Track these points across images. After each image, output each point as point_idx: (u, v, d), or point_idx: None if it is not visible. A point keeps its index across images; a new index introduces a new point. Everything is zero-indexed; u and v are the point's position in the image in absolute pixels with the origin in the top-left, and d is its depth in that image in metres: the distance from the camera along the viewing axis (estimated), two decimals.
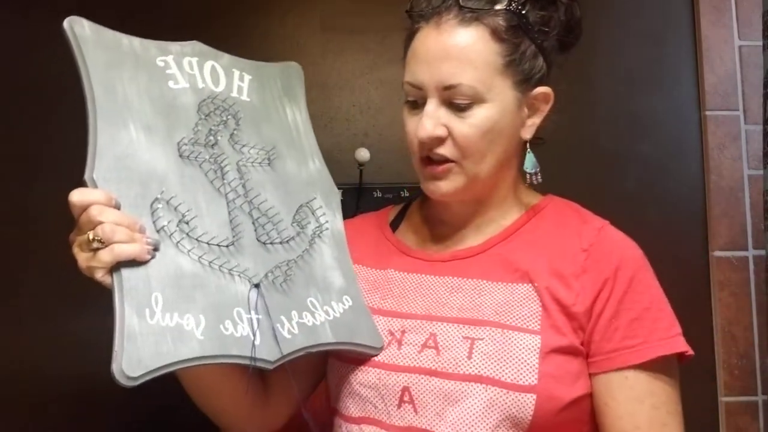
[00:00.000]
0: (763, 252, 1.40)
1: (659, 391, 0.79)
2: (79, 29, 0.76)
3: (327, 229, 0.86)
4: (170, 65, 0.82)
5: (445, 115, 0.82)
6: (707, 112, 1.49)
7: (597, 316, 0.80)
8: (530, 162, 0.87)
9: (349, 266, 0.87)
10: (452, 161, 0.83)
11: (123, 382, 0.64)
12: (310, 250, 0.84)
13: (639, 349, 0.79)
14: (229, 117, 0.84)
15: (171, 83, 0.81)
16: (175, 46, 0.84)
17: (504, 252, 0.85)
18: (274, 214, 0.82)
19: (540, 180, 0.88)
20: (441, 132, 0.81)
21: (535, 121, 0.87)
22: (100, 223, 0.67)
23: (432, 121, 0.81)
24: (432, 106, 0.82)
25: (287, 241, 0.82)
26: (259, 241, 0.80)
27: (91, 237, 0.67)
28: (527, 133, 0.87)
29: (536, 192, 0.93)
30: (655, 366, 0.79)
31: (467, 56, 0.80)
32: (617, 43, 1.51)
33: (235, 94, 0.86)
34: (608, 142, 1.49)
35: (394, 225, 0.97)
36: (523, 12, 0.82)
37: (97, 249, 0.67)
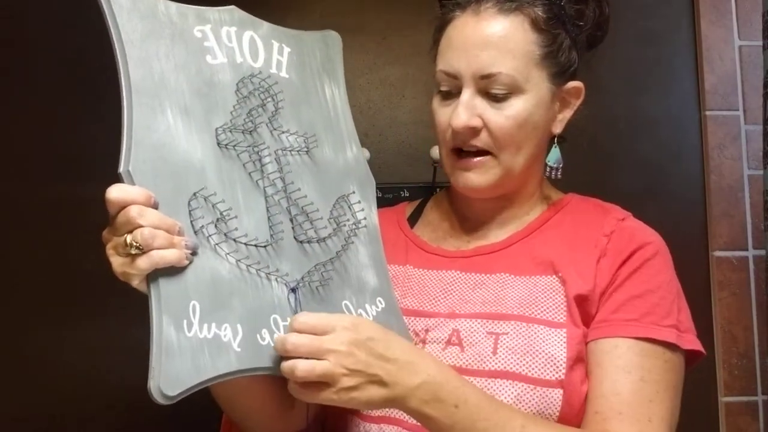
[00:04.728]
0: (763, 252, 1.40)
1: (651, 369, 0.76)
2: None
3: (364, 226, 0.82)
4: (208, 36, 0.75)
5: (480, 104, 0.80)
6: (707, 112, 1.49)
7: (605, 293, 0.79)
8: (554, 156, 0.87)
9: (383, 264, 0.83)
10: (486, 152, 0.81)
11: (160, 400, 0.61)
12: (347, 248, 0.79)
13: (629, 324, 0.77)
14: (268, 99, 0.78)
15: (209, 58, 0.75)
16: (213, 13, 0.77)
17: (528, 246, 0.85)
18: (312, 210, 0.77)
19: (560, 176, 0.87)
20: (476, 122, 0.80)
21: (565, 116, 0.86)
22: (139, 226, 0.62)
23: (467, 110, 0.80)
24: (467, 96, 0.80)
25: (324, 240, 0.78)
26: (296, 240, 0.75)
27: (128, 241, 0.62)
28: (557, 128, 0.86)
29: (558, 189, 0.93)
30: (653, 345, 0.77)
31: (506, 45, 0.79)
32: (617, 43, 1.50)
33: (274, 70, 0.80)
34: (608, 142, 1.49)
35: (411, 221, 0.95)
36: (561, 3, 0.82)
37: (135, 255, 0.62)
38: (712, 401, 1.43)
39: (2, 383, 1.36)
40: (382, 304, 0.80)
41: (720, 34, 1.51)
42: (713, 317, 1.45)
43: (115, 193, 0.63)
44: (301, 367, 0.64)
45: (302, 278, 0.74)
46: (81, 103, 1.42)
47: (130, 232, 0.62)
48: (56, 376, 1.38)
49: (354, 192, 0.82)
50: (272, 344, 0.69)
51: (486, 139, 0.81)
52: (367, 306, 0.79)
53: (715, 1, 1.51)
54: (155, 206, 0.65)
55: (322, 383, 0.66)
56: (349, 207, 0.81)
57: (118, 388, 1.32)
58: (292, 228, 0.75)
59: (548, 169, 0.87)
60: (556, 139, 0.87)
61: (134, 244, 0.62)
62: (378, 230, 0.84)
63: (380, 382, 0.67)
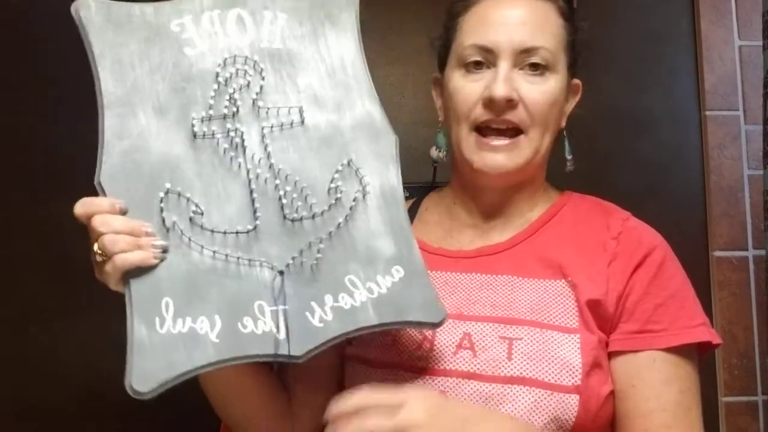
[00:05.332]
0: (763, 252, 1.40)
1: (685, 377, 0.79)
2: (85, 12, 0.71)
3: (368, 192, 0.77)
4: (186, 28, 0.74)
5: (517, 79, 0.81)
6: (707, 112, 1.49)
7: (624, 299, 0.80)
8: (567, 150, 0.89)
9: (402, 228, 0.77)
10: (515, 132, 0.81)
11: (135, 396, 0.63)
12: (350, 218, 0.75)
13: (662, 335, 0.78)
14: (252, 76, 0.75)
15: (187, 50, 0.74)
16: (193, 3, 0.75)
17: (534, 247, 0.85)
18: (303, 185, 0.74)
19: (572, 167, 0.89)
20: (516, 95, 0.80)
21: (568, 109, 0.88)
22: (102, 234, 0.66)
23: (507, 82, 0.80)
24: (506, 69, 0.80)
25: (321, 214, 0.74)
26: (286, 219, 0.73)
27: (95, 249, 0.66)
28: (563, 121, 0.88)
29: (556, 188, 0.93)
30: (680, 352, 0.79)
31: (544, 24, 0.82)
32: (617, 43, 1.51)
33: (264, 43, 0.77)
34: (608, 141, 1.49)
35: None
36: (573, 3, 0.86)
37: (101, 261, 0.66)
38: (712, 401, 1.43)
39: (2, 382, 1.36)
40: (400, 272, 0.75)
41: (720, 34, 1.51)
42: (713, 317, 1.45)
43: (78, 208, 0.67)
44: None
45: (292, 259, 0.72)
46: (83, 108, 1.42)
47: (97, 241, 0.66)
48: (55, 376, 1.38)
49: (359, 152, 0.77)
50: (257, 332, 0.69)
51: (522, 113, 0.81)
52: (379, 278, 0.74)
53: (715, 1, 1.51)
54: (122, 212, 0.68)
55: None
56: (355, 172, 0.77)
57: (118, 389, 1.31)
58: (281, 208, 0.73)
59: (567, 162, 0.89)
60: (564, 132, 0.89)
61: (98, 251, 0.66)
62: (397, 191, 0.79)
63: None
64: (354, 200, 0.76)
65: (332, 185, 0.75)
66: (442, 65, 0.89)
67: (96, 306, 1.35)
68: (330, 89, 0.78)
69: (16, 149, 1.42)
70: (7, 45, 1.42)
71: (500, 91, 0.79)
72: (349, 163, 0.77)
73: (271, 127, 0.75)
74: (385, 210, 0.77)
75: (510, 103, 0.80)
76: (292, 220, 0.73)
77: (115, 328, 1.32)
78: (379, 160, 0.78)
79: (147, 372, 0.64)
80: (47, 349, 1.38)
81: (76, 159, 1.39)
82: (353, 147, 0.77)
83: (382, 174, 0.78)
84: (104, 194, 0.68)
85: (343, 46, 0.80)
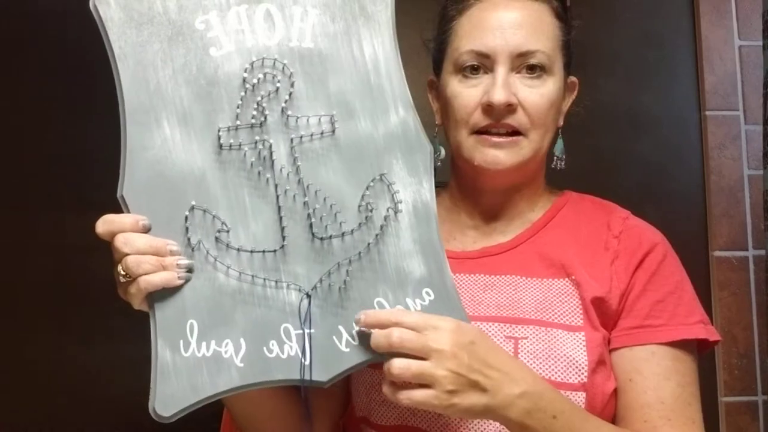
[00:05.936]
0: (763, 252, 1.40)
1: (684, 372, 0.79)
2: (104, 9, 0.67)
3: (400, 210, 0.73)
4: (212, 26, 0.69)
5: (514, 83, 0.81)
6: (707, 112, 1.49)
7: (626, 296, 0.80)
8: (560, 147, 0.89)
9: (434, 247, 0.73)
10: (519, 133, 0.81)
11: (157, 419, 0.63)
12: (381, 238, 0.71)
13: (661, 330, 0.79)
14: (281, 81, 0.71)
15: (213, 50, 0.69)
16: None
17: (536, 246, 0.85)
18: (336, 201, 0.70)
19: (564, 166, 0.89)
20: (515, 100, 0.80)
21: (565, 108, 0.88)
22: (126, 255, 0.63)
23: (506, 87, 0.80)
24: (503, 74, 0.80)
25: (351, 233, 0.71)
26: (315, 237, 0.70)
27: (119, 270, 0.64)
28: (560, 120, 0.88)
29: (554, 188, 0.93)
30: (679, 347, 0.79)
31: (540, 26, 0.82)
32: (617, 43, 1.51)
33: (294, 42, 0.72)
34: (608, 141, 1.49)
35: None
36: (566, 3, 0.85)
37: (125, 282, 0.64)
38: (712, 401, 1.43)
39: (4, 396, 1.36)
40: (430, 295, 0.72)
41: (720, 34, 1.51)
42: (713, 317, 1.45)
43: (100, 227, 0.65)
44: (396, 365, 0.64)
45: (320, 281, 0.69)
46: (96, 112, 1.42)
47: (121, 261, 0.64)
48: (58, 388, 1.37)
49: (392, 167, 0.73)
50: (282, 356, 0.67)
51: (521, 117, 0.81)
52: (409, 301, 0.71)
53: (715, 1, 1.51)
54: (146, 229, 0.65)
55: (422, 385, 0.65)
56: (388, 187, 0.73)
57: (119, 399, 1.32)
58: (310, 225, 0.70)
59: (555, 159, 0.89)
60: (560, 130, 0.88)
61: (121, 272, 0.64)
62: (430, 207, 0.74)
63: (481, 389, 0.65)
64: (385, 218, 0.72)
65: (363, 202, 0.72)
66: (437, 68, 0.89)
67: (99, 322, 1.35)
68: (363, 94, 0.74)
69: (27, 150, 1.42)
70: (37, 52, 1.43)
71: (499, 96, 0.79)
72: (381, 178, 0.73)
73: (301, 137, 0.71)
74: (416, 228, 0.73)
75: (509, 108, 0.80)
76: (321, 239, 0.70)
77: (119, 344, 1.32)
78: (412, 174, 0.74)
79: (170, 396, 0.63)
80: (48, 365, 1.38)
81: (91, 163, 1.40)
82: (386, 160, 0.73)
83: (415, 189, 0.74)
84: (127, 209, 0.65)
85: (377, 44, 0.76)
